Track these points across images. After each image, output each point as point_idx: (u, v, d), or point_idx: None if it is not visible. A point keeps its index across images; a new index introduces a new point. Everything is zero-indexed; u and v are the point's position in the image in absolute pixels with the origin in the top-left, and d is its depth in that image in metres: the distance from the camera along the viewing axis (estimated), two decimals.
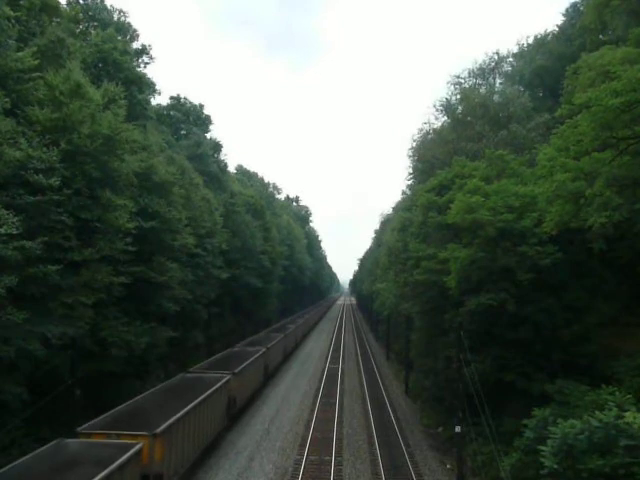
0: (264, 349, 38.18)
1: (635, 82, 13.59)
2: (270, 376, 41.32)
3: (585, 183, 15.55)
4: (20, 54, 20.06)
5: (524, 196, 21.32)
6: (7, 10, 19.98)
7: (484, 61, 45.20)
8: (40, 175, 18.54)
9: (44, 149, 19.12)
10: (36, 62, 20.54)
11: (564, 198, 16.20)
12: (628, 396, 15.20)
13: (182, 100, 54.94)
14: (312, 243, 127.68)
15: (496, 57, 44.89)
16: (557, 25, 41.72)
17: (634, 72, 13.81)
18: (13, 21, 20.87)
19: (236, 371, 28.13)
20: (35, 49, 21.10)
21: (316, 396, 36.58)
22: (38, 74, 20.96)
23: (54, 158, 19.16)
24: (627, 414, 13.60)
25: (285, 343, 51.23)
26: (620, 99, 13.59)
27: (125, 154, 24.08)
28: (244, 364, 30.64)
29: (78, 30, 33.99)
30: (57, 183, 18.98)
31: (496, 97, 37.19)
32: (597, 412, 14.09)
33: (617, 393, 15.45)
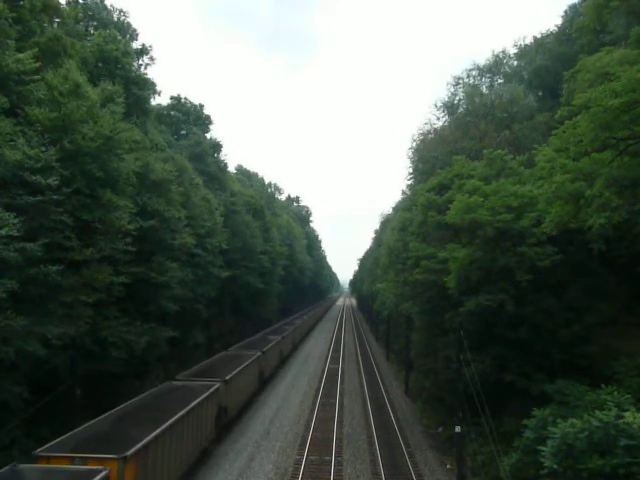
0: (218, 384, 24.58)
1: (635, 82, 13.57)
2: (227, 425, 26.74)
3: (585, 184, 15.55)
4: (21, 55, 20.05)
5: (523, 196, 21.33)
6: (5, 10, 19.98)
7: (487, 60, 45.32)
8: (38, 176, 18.52)
9: (42, 148, 19.11)
10: (37, 64, 20.54)
11: (564, 199, 16.20)
12: (627, 396, 15.22)
13: (182, 100, 54.95)
14: (312, 243, 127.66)
15: (501, 55, 45.02)
16: (556, 26, 41.76)
17: (633, 72, 13.80)
18: (11, 20, 20.89)
19: (128, 454, 14.23)
20: (36, 50, 21.08)
21: (314, 403, 36.59)
22: (40, 76, 20.96)
23: (52, 157, 19.15)
24: (627, 414, 13.60)
25: (260, 365, 36.56)
26: (620, 99, 13.58)
27: (124, 154, 24.09)
28: (158, 430, 16.42)
29: (79, 30, 34.02)
30: (55, 183, 18.98)
31: (498, 97, 37.19)
32: (597, 412, 14.10)
33: (615, 393, 15.47)
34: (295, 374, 46.02)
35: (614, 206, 14.79)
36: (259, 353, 36.39)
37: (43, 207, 18.81)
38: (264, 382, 38.73)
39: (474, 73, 44.72)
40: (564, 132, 16.29)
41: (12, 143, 18.21)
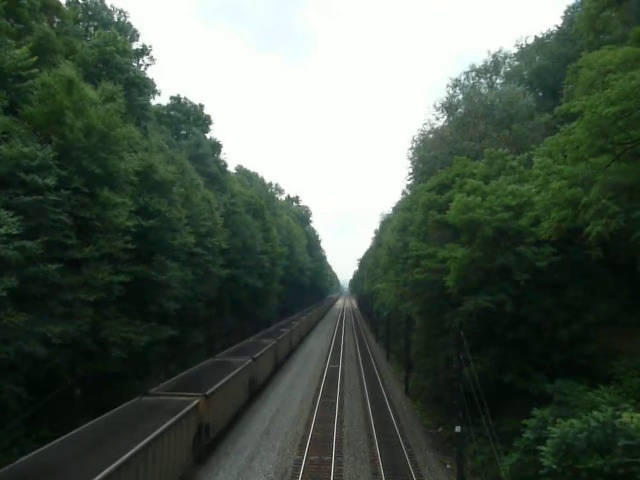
0: None
1: (629, 90, 13.59)
2: None
3: (581, 189, 15.52)
4: (17, 51, 20.08)
5: (521, 196, 21.33)
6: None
7: (485, 61, 45.36)
8: (34, 175, 18.50)
9: (38, 146, 19.10)
10: (34, 59, 20.56)
11: (561, 205, 16.16)
12: (614, 391, 15.24)
13: (182, 100, 54.97)
14: (312, 243, 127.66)
15: (501, 55, 45.05)
16: (556, 26, 41.75)
17: (627, 80, 13.82)
18: (11, 20, 20.97)
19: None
20: (31, 44, 21.09)
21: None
22: (36, 70, 20.98)
23: (49, 155, 19.13)
24: (625, 414, 13.60)
25: (199, 419, 21.17)
26: (614, 108, 13.60)
27: (123, 151, 24.08)
28: None
29: (79, 30, 34.04)
30: (52, 182, 18.99)
31: (497, 98, 37.20)
32: (595, 412, 14.11)
33: (606, 394, 15.48)
34: (296, 373, 46.00)
35: (611, 213, 14.72)
36: (197, 400, 20.97)
37: (41, 206, 18.82)
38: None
39: (472, 74, 44.77)
40: (560, 138, 16.30)
41: (8, 139, 18.20)
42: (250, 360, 32.48)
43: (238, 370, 28.69)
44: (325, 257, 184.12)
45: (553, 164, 16.46)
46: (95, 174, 21.67)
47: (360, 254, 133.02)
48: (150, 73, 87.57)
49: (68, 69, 22.47)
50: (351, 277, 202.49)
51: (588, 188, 15.22)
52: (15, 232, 16.32)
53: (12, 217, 16.49)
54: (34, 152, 18.66)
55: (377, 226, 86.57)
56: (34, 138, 19.37)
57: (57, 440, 15.56)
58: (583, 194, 15.30)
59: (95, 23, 37.58)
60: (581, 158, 15.35)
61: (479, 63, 45.63)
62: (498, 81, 44.73)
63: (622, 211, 14.79)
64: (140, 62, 40.82)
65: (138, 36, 41.93)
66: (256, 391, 34.90)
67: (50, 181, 18.85)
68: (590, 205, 15.05)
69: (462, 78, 44.30)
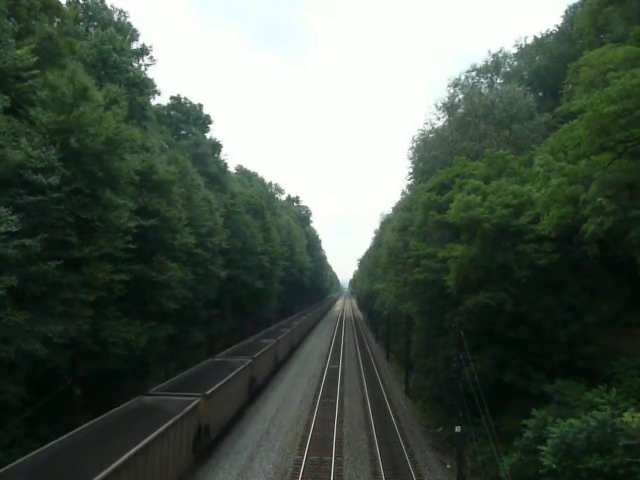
0: None
1: (629, 89, 13.58)
2: None
3: (581, 187, 15.50)
4: (19, 52, 20.06)
5: (521, 195, 21.33)
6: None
7: (485, 60, 45.35)
8: (39, 175, 18.51)
9: (43, 149, 19.10)
10: (34, 59, 20.55)
11: (561, 202, 16.14)
12: (618, 393, 15.24)
13: (182, 100, 54.93)
14: (312, 243, 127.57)
15: (501, 55, 45.06)
16: (556, 26, 41.76)
17: (628, 79, 13.81)
18: (14, 20, 20.95)
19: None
20: (33, 46, 21.07)
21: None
22: (37, 71, 20.96)
23: (53, 157, 19.14)
24: (625, 414, 13.60)
25: None
26: (615, 106, 13.59)
27: (126, 153, 24.10)
28: None
29: (79, 30, 34.03)
30: (56, 182, 18.98)
31: (498, 97, 37.19)
32: (595, 412, 14.11)
33: (605, 394, 15.47)
34: (296, 373, 45.99)
35: (608, 211, 14.66)
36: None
37: (43, 206, 18.81)
38: None
39: (473, 74, 44.76)
40: (561, 136, 16.28)
41: (14, 144, 18.18)
42: (199, 398, 23.69)
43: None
44: (325, 257, 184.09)
45: (554, 161, 16.44)
46: (98, 177, 21.69)
47: (360, 254, 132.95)
48: (150, 73, 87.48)
49: (85, 77, 22.44)
50: (351, 277, 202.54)
51: (588, 186, 15.20)
52: (14, 230, 16.29)
53: (12, 215, 16.45)
54: (39, 155, 18.66)
55: (377, 226, 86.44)
56: (41, 141, 19.34)
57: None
58: (583, 192, 15.28)
59: (95, 23, 37.57)
60: (582, 156, 15.32)
61: (479, 63, 45.65)
62: (499, 81, 44.71)
63: (621, 210, 14.77)
64: (140, 62, 40.83)
65: (138, 36, 41.93)
66: (256, 391, 34.54)
67: (53, 180, 18.85)
68: (588, 203, 15.03)
69: (462, 78, 44.30)
